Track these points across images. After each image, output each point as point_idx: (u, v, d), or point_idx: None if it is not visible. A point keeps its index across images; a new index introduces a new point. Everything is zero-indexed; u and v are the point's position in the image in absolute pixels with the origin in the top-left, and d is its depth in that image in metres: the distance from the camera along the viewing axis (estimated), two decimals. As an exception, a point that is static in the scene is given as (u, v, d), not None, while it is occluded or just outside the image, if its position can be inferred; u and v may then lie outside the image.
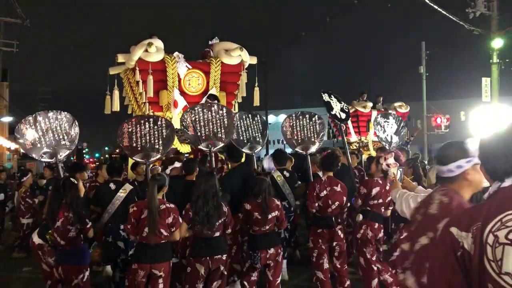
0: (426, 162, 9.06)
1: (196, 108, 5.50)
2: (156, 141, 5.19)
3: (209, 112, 5.43)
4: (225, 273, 4.17)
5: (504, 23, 14.54)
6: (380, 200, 4.87)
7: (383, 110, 13.60)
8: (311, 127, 6.25)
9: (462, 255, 1.32)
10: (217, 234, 4.07)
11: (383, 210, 4.95)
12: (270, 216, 4.48)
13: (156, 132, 5.23)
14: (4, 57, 24.07)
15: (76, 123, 5.22)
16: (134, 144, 5.14)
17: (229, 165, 5.81)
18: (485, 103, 14.57)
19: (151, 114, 7.03)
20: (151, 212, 3.88)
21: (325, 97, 6.78)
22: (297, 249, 7.28)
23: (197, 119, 5.38)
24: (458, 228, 1.35)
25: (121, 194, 5.07)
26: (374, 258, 4.86)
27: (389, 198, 4.83)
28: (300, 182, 6.74)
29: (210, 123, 5.42)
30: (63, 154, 5.07)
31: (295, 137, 6.22)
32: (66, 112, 5.23)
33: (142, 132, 5.17)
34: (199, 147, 5.38)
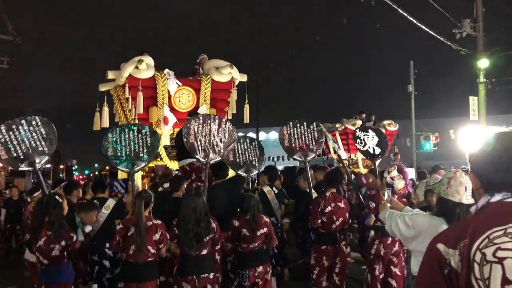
0: (415, 179, 9.07)
1: (200, 118, 5.44)
2: (141, 149, 5.12)
3: (212, 124, 5.37)
4: None
5: (490, 43, 14.83)
6: None
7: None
8: (309, 135, 6.16)
9: (449, 273, 1.27)
10: (205, 251, 4.01)
11: None
12: (259, 233, 4.43)
13: (140, 141, 5.15)
14: (-6, 74, 23.94)
15: (53, 126, 5.01)
16: (119, 154, 5.05)
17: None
18: (473, 122, 14.76)
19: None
20: (139, 230, 3.83)
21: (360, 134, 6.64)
22: (286, 267, 7.20)
23: (199, 129, 5.31)
24: (445, 244, 1.31)
25: (104, 211, 5.01)
26: (381, 277, 4.75)
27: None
28: (289, 200, 6.74)
29: (212, 135, 5.36)
30: (41, 160, 4.91)
31: (293, 145, 6.11)
32: (40, 116, 5.03)
33: (127, 141, 5.08)
34: (196, 156, 5.30)
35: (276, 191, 6.16)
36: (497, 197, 1.33)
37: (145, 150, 5.12)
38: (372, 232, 4.89)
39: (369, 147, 6.60)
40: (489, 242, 1.22)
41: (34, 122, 4.94)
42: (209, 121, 5.39)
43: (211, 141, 5.34)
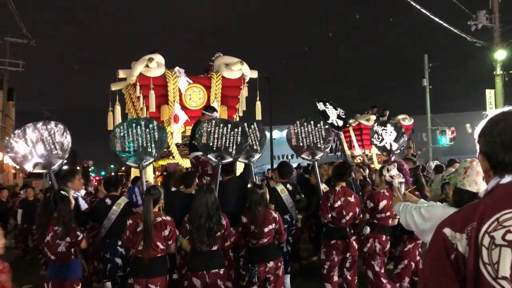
0: (431, 171, 8.88)
1: (213, 121, 5.46)
2: (149, 144, 5.11)
3: (225, 128, 5.36)
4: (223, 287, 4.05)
5: (506, 34, 14.55)
6: (388, 213, 4.78)
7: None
8: (317, 133, 6.08)
9: (456, 258, 1.21)
10: (215, 247, 3.98)
11: (390, 222, 4.85)
12: (266, 229, 4.38)
13: (148, 135, 5.14)
14: (10, 77, 24.36)
15: (67, 131, 5.07)
16: (127, 149, 5.06)
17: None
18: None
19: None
20: (146, 226, 3.82)
21: (320, 106, 6.65)
22: (298, 262, 7.16)
23: (212, 131, 5.30)
24: (452, 228, 1.25)
25: (115, 208, 5.00)
26: (382, 271, 4.74)
27: None
28: (301, 196, 6.66)
29: (224, 137, 5.35)
30: (55, 164, 4.98)
31: (301, 144, 6.03)
32: (56, 122, 5.12)
33: (135, 136, 5.09)
34: (208, 156, 5.29)
35: (290, 188, 6.09)
36: (507, 179, 1.26)
37: (153, 145, 5.12)
38: (368, 229, 4.83)
39: (386, 142, 6.51)
40: (498, 225, 1.16)
41: (49, 126, 5.02)
42: (222, 124, 5.40)
43: (224, 143, 5.33)
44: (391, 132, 6.54)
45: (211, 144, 5.26)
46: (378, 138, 6.48)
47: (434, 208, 2.77)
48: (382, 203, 4.75)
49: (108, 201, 5.13)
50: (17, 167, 5.15)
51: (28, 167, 4.94)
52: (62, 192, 4.18)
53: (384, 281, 4.74)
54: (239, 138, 5.39)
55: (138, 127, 5.12)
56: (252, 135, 5.85)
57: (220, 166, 5.22)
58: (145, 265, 3.84)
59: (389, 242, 4.91)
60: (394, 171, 4.68)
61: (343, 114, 6.86)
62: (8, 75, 23.75)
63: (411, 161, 7.40)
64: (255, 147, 5.81)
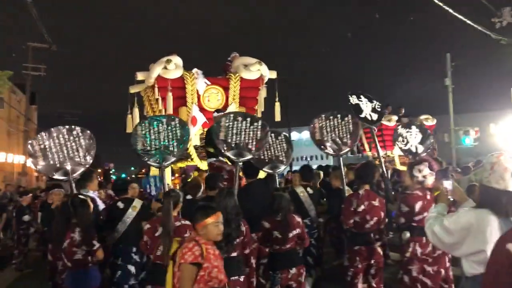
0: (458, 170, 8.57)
1: (231, 115, 5.26)
2: (171, 142, 4.98)
3: (244, 122, 5.17)
4: None
5: (532, 31, 14.08)
6: (425, 214, 4.46)
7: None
8: (344, 128, 5.77)
9: None
10: (234, 254, 3.84)
11: None
12: (291, 235, 4.24)
13: (170, 133, 5.01)
14: (33, 81, 24.77)
15: (93, 138, 4.99)
16: (148, 148, 4.95)
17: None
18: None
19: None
20: (166, 230, 3.71)
21: (353, 99, 6.12)
22: (319, 266, 6.99)
23: (230, 126, 5.11)
24: None
25: (131, 211, 4.84)
26: (420, 276, 4.43)
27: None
28: (323, 199, 6.48)
29: (243, 133, 5.15)
30: (77, 171, 4.87)
31: (325, 138, 5.75)
32: (80, 127, 5.03)
33: (156, 134, 4.98)
34: (226, 154, 5.12)
35: (311, 192, 5.92)
36: None
37: (175, 143, 5.01)
38: (408, 234, 4.56)
39: (411, 145, 6.21)
40: None
41: (75, 132, 4.93)
42: (240, 119, 5.19)
43: (243, 139, 5.14)
44: (416, 134, 6.26)
45: (229, 140, 5.06)
46: (403, 141, 6.21)
47: (460, 217, 2.47)
48: (418, 205, 4.44)
49: (120, 204, 4.99)
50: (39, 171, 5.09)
51: (49, 172, 4.86)
52: (80, 196, 4.11)
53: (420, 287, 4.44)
54: (259, 133, 5.20)
55: (160, 124, 5.01)
56: (278, 146, 5.68)
57: (242, 166, 5.05)
58: (165, 271, 3.73)
59: (430, 244, 4.58)
60: (426, 171, 4.46)
61: (378, 106, 6.31)
62: (31, 79, 24.17)
63: (437, 162, 7.13)
64: (281, 158, 5.64)
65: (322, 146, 5.77)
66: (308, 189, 5.97)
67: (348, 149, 5.81)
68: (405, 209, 4.49)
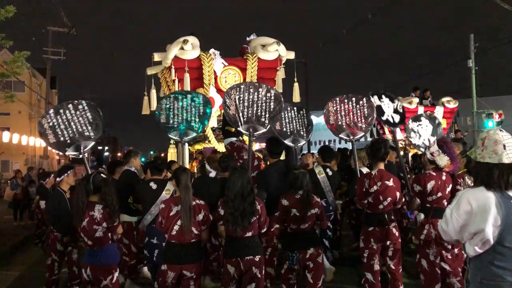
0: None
1: (242, 86, 5.14)
2: (193, 118, 5.00)
3: (256, 93, 5.06)
4: (259, 275, 3.81)
5: (562, 9, 13.54)
6: (439, 194, 4.33)
7: (429, 105, 13.02)
8: (358, 111, 5.68)
9: None
10: (249, 233, 3.78)
11: (445, 203, 4.33)
12: (309, 214, 4.17)
13: (193, 109, 5.01)
14: (53, 65, 25.04)
15: (99, 110, 4.97)
16: (171, 121, 5.00)
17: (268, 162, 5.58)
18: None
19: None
20: (186, 207, 3.69)
21: (375, 100, 5.96)
22: (338, 250, 6.95)
23: (241, 98, 5.01)
24: None
25: (165, 194, 4.89)
26: (438, 260, 4.32)
27: (449, 189, 4.37)
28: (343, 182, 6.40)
29: (255, 105, 5.04)
30: (88, 145, 4.87)
31: (339, 123, 5.67)
32: (86, 101, 5.02)
33: (179, 109, 5.01)
34: (238, 129, 5.07)
35: (330, 173, 5.84)
36: None
37: (197, 119, 5.03)
38: (422, 216, 4.43)
39: (424, 139, 6.07)
40: None
41: (80, 107, 4.94)
42: (251, 90, 5.09)
43: (255, 111, 5.06)
44: (426, 125, 6.11)
45: (240, 114, 4.98)
46: (416, 135, 6.07)
47: (458, 203, 2.31)
48: (430, 184, 4.33)
49: (152, 185, 5.04)
50: (54, 151, 5.14)
51: (61, 149, 4.90)
52: (101, 174, 4.10)
53: (439, 271, 4.26)
54: (272, 104, 5.10)
55: (184, 99, 5.05)
56: (300, 120, 5.64)
57: (268, 144, 5.04)
58: (180, 250, 3.72)
59: None
60: (433, 148, 4.34)
61: (400, 107, 6.18)
62: (51, 63, 24.43)
63: (459, 142, 6.92)
64: (301, 133, 5.60)
65: (336, 131, 5.68)
66: (328, 170, 5.89)
67: (362, 134, 5.69)
68: (418, 188, 4.39)
